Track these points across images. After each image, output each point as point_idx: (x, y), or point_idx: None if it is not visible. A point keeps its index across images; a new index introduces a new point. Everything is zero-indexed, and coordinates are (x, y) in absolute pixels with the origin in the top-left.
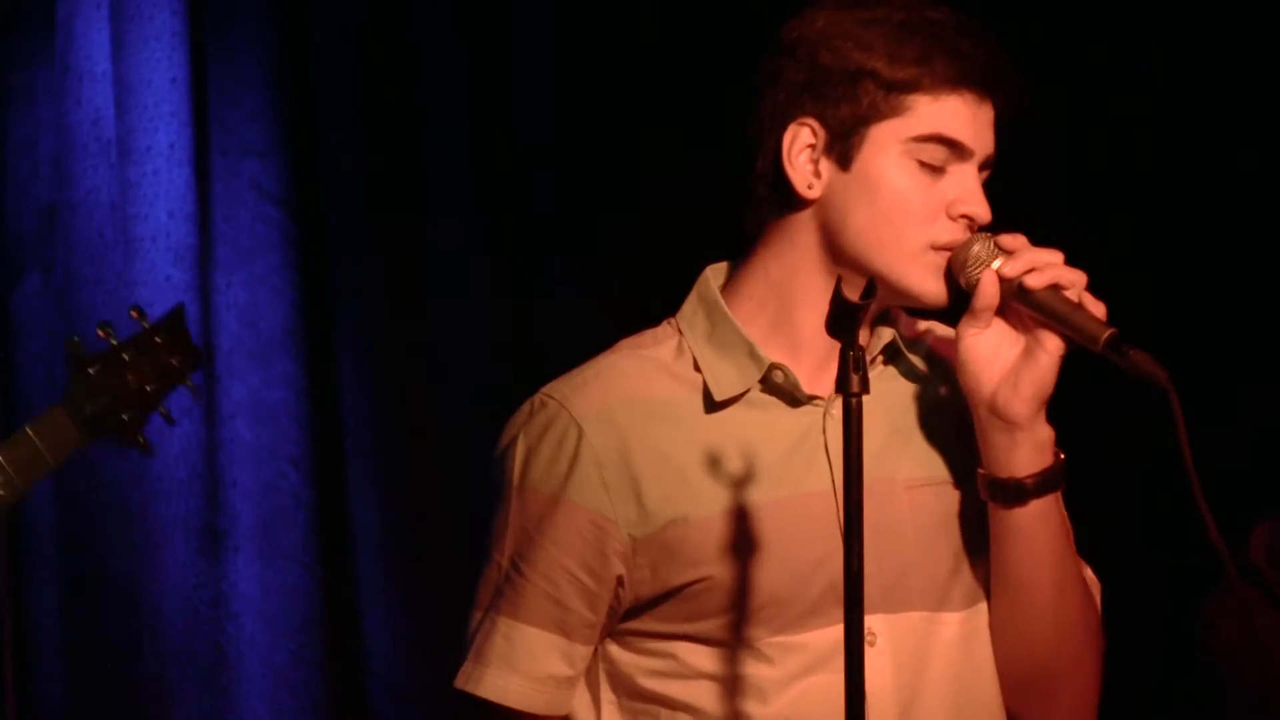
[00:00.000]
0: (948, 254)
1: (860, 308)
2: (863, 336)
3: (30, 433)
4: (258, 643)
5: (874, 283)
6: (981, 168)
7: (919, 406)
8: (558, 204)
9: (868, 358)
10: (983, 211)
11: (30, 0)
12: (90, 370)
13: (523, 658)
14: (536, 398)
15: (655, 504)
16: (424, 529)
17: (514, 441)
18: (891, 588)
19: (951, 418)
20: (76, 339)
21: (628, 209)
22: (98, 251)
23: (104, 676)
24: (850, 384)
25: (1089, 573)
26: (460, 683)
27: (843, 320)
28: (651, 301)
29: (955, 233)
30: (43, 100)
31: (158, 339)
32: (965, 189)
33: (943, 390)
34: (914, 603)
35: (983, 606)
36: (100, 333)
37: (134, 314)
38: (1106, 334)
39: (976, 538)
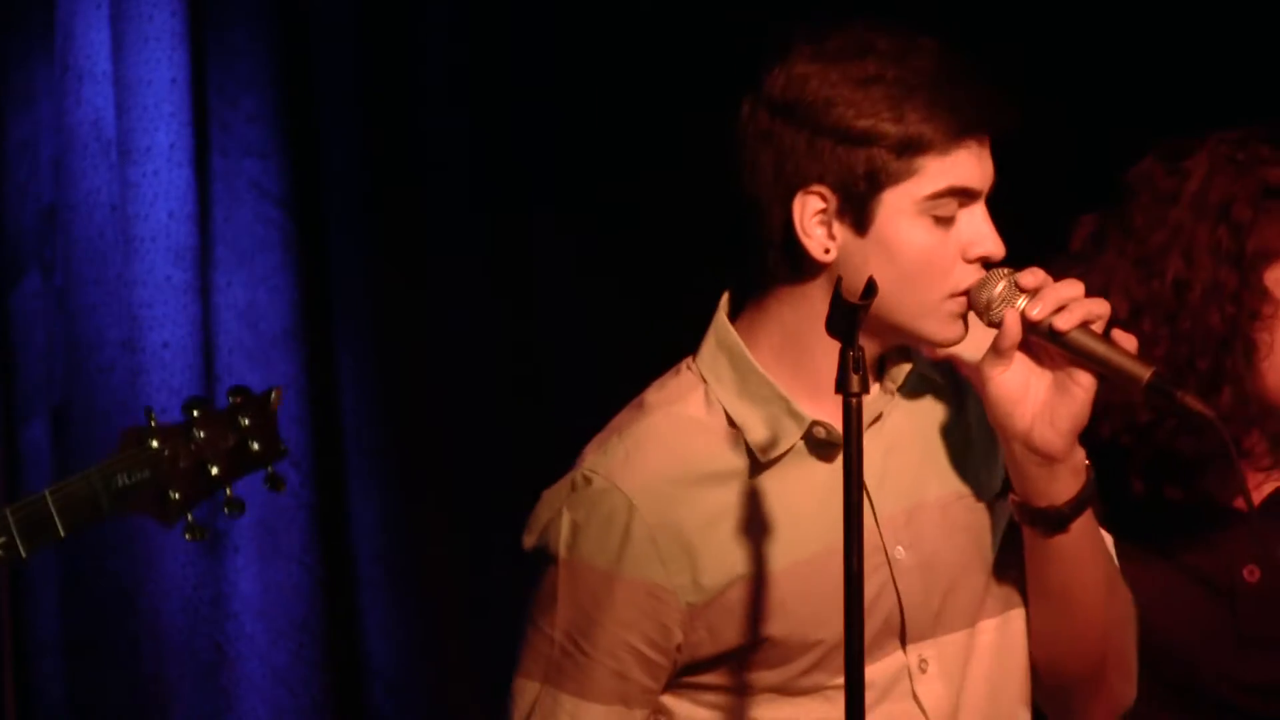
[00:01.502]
0: (965, 297)
1: (859, 307)
2: (879, 378)
3: (48, 496)
4: (258, 643)
5: (873, 283)
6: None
7: (942, 422)
8: (559, 205)
9: (893, 387)
10: (997, 250)
11: (30, 0)
12: (152, 443)
13: None
14: (579, 473)
15: (711, 571)
16: (424, 529)
17: (558, 516)
18: (939, 613)
19: (970, 426)
20: (150, 410)
21: (629, 210)
22: (98, 251)
23: (104, 676)
24: (850, 384)
25: (1106, 536)
26: None
27: (842, 320)
28: (651, 302)
29: (972, 276)
30: (43, 100)
31: (244, 420)
32: (977, 231)
33: (958, 399)
34: (957, 623)
35: (1016, 613)
36: (186, 411)
37: (192, 409)
38: (1149, 374)
39: (1007, 543)
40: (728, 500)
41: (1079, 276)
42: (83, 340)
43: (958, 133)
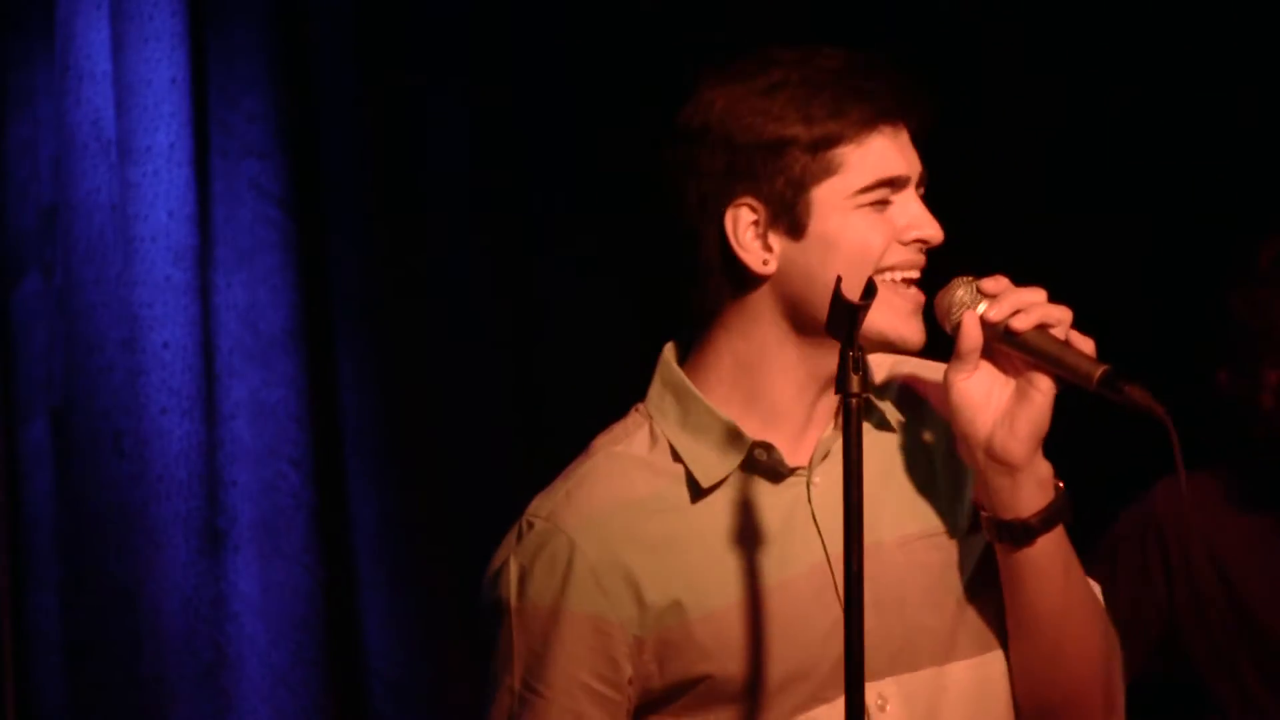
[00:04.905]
0: (906, 289)
1: (860, 308)
2: (828, 404)
3: None
4: (258, 643)
5: (873, 282)
6: (918, 186)
7: (899, 456)
8: (559, 204)
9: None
10: (934, 233)
11: (30, 0)
12: None
13: None
14: (523, 520)
15: (655, 602)
16: (424, 529)
17: (505, 565)
18: (898, 652)
19: (933, 462)
20: None
21: (629, 209)
22: (98, 251)
23: (104, 676)
24: (850, 384)
25: (1094, 584)
26: None
27: (842, 320)
28: (652, 304)
29: (903, 254)
30: (42, 100)
31: None
32: (912, 215)
33: (920, 434)
34: (921, 661)
35: (995, 655)
36: None
37: None
38: (1100, 371)
39: (979, 583)
40: (670, 531)
41: (1270, 297)
42: (83, 340)
43: (869, 121)
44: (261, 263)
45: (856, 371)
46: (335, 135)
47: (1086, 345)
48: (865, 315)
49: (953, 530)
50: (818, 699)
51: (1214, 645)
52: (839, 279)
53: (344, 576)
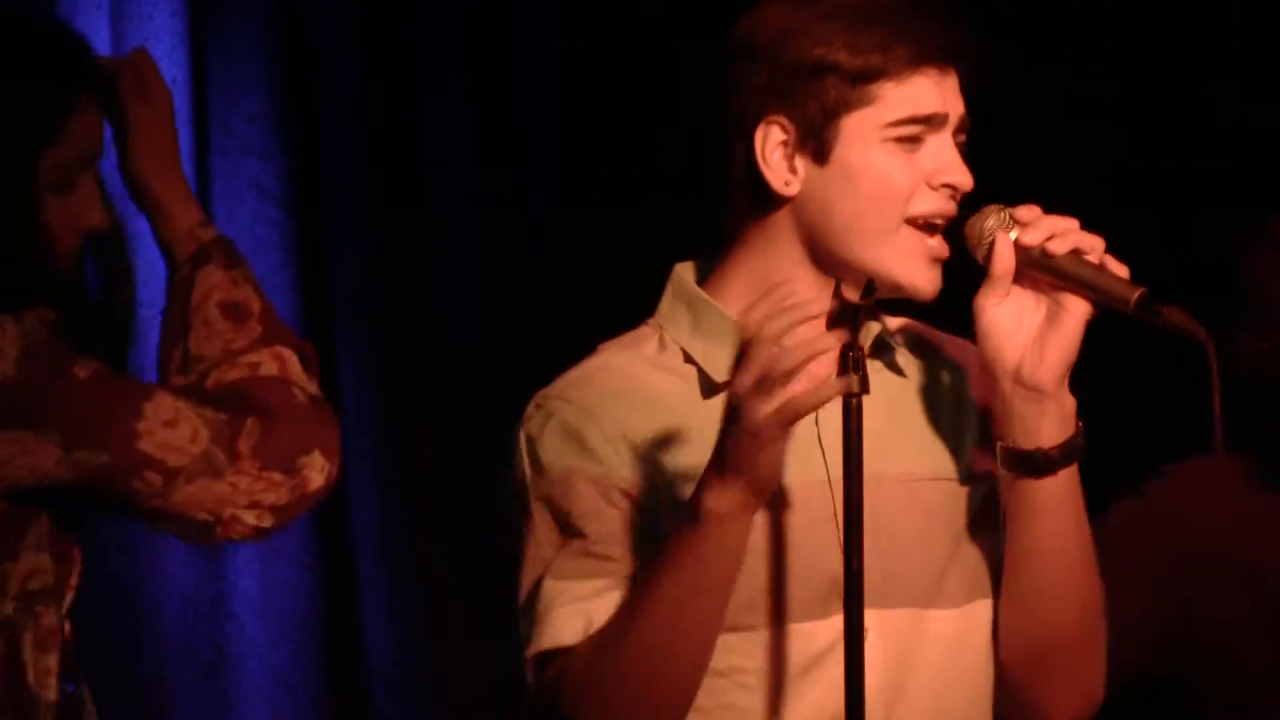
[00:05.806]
0: (929, 236)
1: (860, 308)
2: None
3: None
4: (258, 643)
5: (873, 282)
6: (956, 132)
7: (909, 400)
8: (560, 205)
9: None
10: (964, 179)
11: (30, 0)
12: None
13: (569, 599)
14: (533, 401)
15: (660, 479)
16: (424, 529)
17: (517, 441)
18: (882, 584)
19: (940, 408)
20: None
21: (629, 209)
22: None
23: (104, 676)
24: (850, 384)
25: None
26: (531, 652)
27: (842, 320)
28: (653, 305)
29: (935, 203)
30: None
31: None
32: (944, 158)
33: (930, 380)
34: (903, 599)
35: (981, 604)
36: None
37: None
38: (1137, 294)
39: (973, 532)
40: (679, 424)
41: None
42: None
43: (914, 60)
44: (261, 263)
45: (856, 371)
46: (335, 135)
47: (1121, 270)
48: (866, 315)
49: (956, 476)
50: (802, 615)
51: (1228, 633)
52: (838, 282)
53: (344, 576)
